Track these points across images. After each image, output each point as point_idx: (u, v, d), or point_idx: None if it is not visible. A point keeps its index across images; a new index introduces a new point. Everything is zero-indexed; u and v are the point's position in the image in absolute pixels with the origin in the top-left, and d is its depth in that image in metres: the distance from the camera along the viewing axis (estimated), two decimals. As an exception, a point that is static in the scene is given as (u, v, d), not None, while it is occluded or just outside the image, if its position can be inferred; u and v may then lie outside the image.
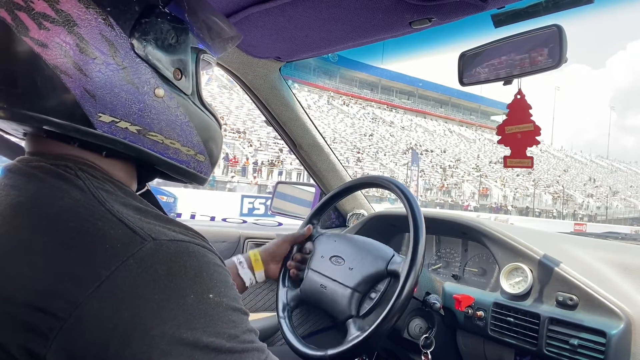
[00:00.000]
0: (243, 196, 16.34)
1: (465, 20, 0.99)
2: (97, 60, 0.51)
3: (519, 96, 0.97)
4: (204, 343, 0.44)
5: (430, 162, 41.97)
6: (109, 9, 0.52)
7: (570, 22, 0.92)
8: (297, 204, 1.85)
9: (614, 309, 0.91)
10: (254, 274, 1.11)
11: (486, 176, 42.13)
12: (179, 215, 3.52)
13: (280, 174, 25.80)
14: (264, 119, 1.64)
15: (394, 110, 58.54)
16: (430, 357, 1.11)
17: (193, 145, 0.62)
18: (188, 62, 0.61)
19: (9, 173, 0.54)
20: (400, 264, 1.00)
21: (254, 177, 24.28)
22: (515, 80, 0.96)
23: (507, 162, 1.01)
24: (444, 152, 47.57)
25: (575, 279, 0.99)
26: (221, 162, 22.24)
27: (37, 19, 0.49)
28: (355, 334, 0.94)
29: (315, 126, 1.65)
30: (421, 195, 31.17)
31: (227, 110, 33.24)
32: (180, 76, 0.59)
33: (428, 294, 1.19)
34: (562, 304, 0.99)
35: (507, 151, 1.01)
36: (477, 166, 45.27)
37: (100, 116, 0.52)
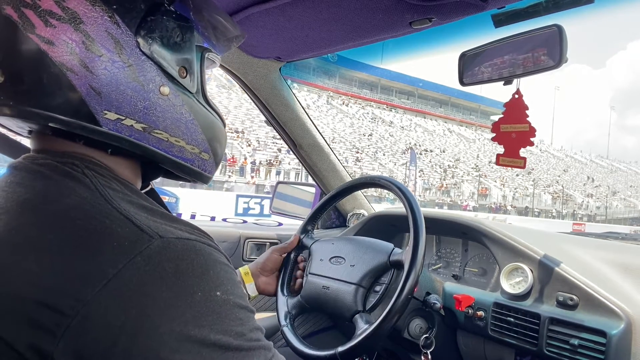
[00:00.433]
0: (238, 196, 16.29)
1: (466, 20, 0.99)
2: (103, 57, 0.51)
3: (516, 95, 0.97)
4: (212, 340, 0.44)
5: (430, 161, 41.99)
6: (115, 6, 0.52)
7: (571, 22, 0.92)
8: (297, 204, 1.85)
9: (615, 309, 0.91)
10: (245, 288, 1.09)
11: (486, 176, 42.15)
12: (179, 215, 3.51)
13: (278, 173, 25.80)
14: (263, 118, 1.64)
15: (393, 110, 58.56)
16: (430, 357, 1.11)
17: (198, 144, 0.62)
18: (193, 61, 0.61)
19: (15, 170, 0.54)
20: (402, 253, 1.00)
21: (252, 177, 24.25)
22: (514, 80, 0.96)
23: (499, 160, 1.01)
24: (443, 152, 47.59)
25: (575, 279, 0.99)
26: (219, 162, 22.20)
27: (43, 17, 0.49)
28: (364, 328, 0.93)
29: (315, 126, 1.65)
30: (420, 195, 31.17)
31: (225, 110, 33.23)
32: (185, 74, 0.59)
33: (428, 294, 1.19)
34: (562, 304, 0.99)
35: (501, 149, 1.01)
36: (477, 166, 45.28)
37: (106, 114, 0.52)
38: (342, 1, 0.96)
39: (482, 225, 1.25)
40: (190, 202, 10.88)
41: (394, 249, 1.05)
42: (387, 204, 18.52)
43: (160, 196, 0.68)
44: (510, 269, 1.11)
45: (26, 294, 0.43)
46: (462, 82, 1.05)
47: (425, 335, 1.14)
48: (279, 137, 1.72)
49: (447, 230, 1.41)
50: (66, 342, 0.41)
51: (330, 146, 1.72)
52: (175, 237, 0.48)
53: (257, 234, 1.63)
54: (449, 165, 42.88)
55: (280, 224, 1.82)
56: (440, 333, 1.19)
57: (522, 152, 0.98)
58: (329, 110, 46.89)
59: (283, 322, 1.09)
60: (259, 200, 16.15)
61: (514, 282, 1.10)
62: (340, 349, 0.93)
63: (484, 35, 1.00)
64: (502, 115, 0.99)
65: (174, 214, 0.57)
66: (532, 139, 0.95)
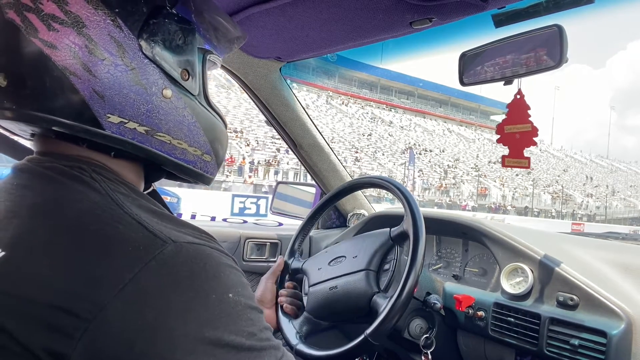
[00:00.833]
0: (234, 195, 16.22)
1: (466, 20, 0.99)
2: (106, 61, 0.51)
3: (518, 96, 0.97)
4: (225, 341, 0.45)
5: (429, 161, 41.99)
6: (117, 10, 0.52)
7: (571, 22, 0.92)
8: (297, 204, 1.85)
9: (615, 309, 0.91)
10: None
11: (485, 176, 42.16)
12: (180, 215, 3.52)
13: (276, 173, 25.79)
14: (262, 118, 1.64)
15: (393, 110, 58.57)
16: (430, 357, 1.11)
17: (200, 146, 0.62)
18: (195, 63, 0.61)
19: (21, 173, 0.54)
20: (401, 225, 1.01)
21: (249, 177, 24.24)
22: (515, 80, 0.96)
23: (505, 162, 1.01)
24: (443, 151, 47.60)
25: (575, 279, 0.99)
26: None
27: (46, 21, 0.49)
28: (385, 303, 0.92)
29: (315, 126, 1.65)
30: (419, 195, 31.17)
31: (224, 110, 33.19)
32: (187, 77, 0.60)
33: (429, 294, 1.19)
34: (562, 304, 0.99)
35: (505, 150, 1.01)
36: (476, 166, 45.29)
37: (109, 117, 0.52)
38: (342, 1, 0.96)
39: (482, 225, 1.25)
40: (186, 202, 10.85)
41: (391, 228, 1.05)
42: (387, 204, 18.51)
43: (162, 196, 0.68)
44: (511, 269, 1.11)
45: (41, 297, 0.43)
46: (462, 82, 1.05)
47: (425, 335, 1.14)
48: (277, 137, 1.72)
49: (447, 231, 1.41)
50: (84, 345, 0.42)
51: (330, 146, 1.72)
52: (187, 241, 0.49)
53: (257, 234, 1.63)
54: (448, 165, 42.89)
55: (280, 224, 1.82)
56: (441, 333, 1.19)
57: (524, 152, 0.98)
58: (328, 110, 46.90)
59: (295, 342, 1.04)
60: (255, 200, 16.08)
61: (514, 282, 1.10)
62: (368, 330, 0.91)
63: (484, 35, 1.00)
64: (504, 117, 0.99)
65: (175, 214, 0.58)
66: (535, 139, 0.95)
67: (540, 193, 41.31)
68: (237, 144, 28.66)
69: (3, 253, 0.46)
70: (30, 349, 0.42)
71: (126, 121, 0.53)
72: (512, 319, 1.05)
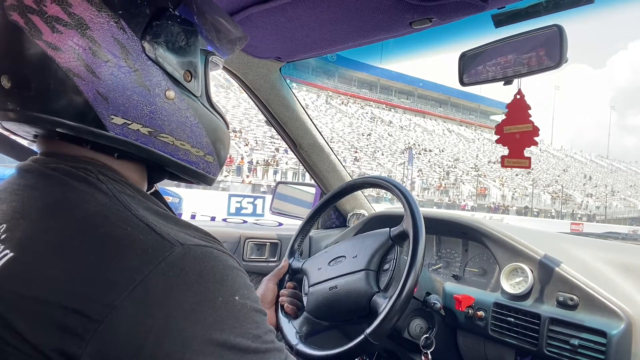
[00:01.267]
0: (230, 195, 16.16)
1: (466, 20, 0.99)
2: (110, 63, 0.51)
3: (518, 96, 0.97)
4: (232, 343, 0.45)
5: (429, 161, 42.00)
6: (120, 12, 0.52)
7: (571, 22, 0.92)
8: (297, 205, 1.85)
9: (615, 309, 0.91)
10: None
11: (485, 176, 42.17)
12: (180, 215, 3.52)
13: (275, 173, 25.79)
14: (261, 118, 1.65)
15: (392, 110, 58.57)
16: (430, 357, 1.11)
17: (202, 147, 0.62)
18: (198, 64, 0.61)
19: (26, 173, 0.55)
20: (401, 225, 1.01)
21: (247, 176, 24.23)
22: (515, 80, 0.96)
23: (504, 162, 1.01)
24: (442, 151, 47.61)
25: (575, 279, 0.99)
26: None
27: (50, 22, 0.49)
28: (385, 303, 0.92)
29: (315, 126, 1.65)
30: (418, 195, 31.18)
31: (224, 110, 33.04)
32: (190, 78, 0.60)
33: (428, 294, 1.19)
34: (562, 304, 0.99)
35: (505, 151, 1.01)
36: (476, 166, 45.30)
37: (113, 118, 0.52)
38: (342, 1, 0.96)
39: (482, 226, 1.25)
40: (184, 201, 10.82)
41: (391, 228, 1.05)
42: (386, 204, 18.51)
43: (164, 196, 0.69)
44: (511, 269, 1.11)
45: (52, 298, 0.43)
46: (462, 82, 1.05)
47: (425, 335, 1.14)
48: (276, 136, 1.73)
49: (447, 231, 1.41)
50: (94, 346, 0.42)
51: (330, 146, 1.72)
52: (194, 244, 0.49)
53: (257, 234, 1.63)
54: (448, 165, 42.89)
55: (280, 224, 1.82)
56: (441, 333, 1.19)
57: (525, 151, 0.98)
58: (328, 110, 46.91)
59: (295, 342, 1.04)
60: (251, 200, 16.01)
61: (514, 282, 1.10)
62: (368, 330, 0.91)
63: (484, 35, 1.00)
64: (504, 116, 0.99)
65: (176, 214, 0.58)
66: (536, 139, 0.95)
67: (540, 193, 41.33)
68: (235, 143, 28.67)
69: (12, 254, 0.46)
70: (41, 350, 0.42)
71: (130, 122, 0.53)
72: (512, 319, 1.05)
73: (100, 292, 0.43)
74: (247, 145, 29.31)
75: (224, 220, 1.85)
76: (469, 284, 1.29)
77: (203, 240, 0.51)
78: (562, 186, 45.41)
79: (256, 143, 30.62)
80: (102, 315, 0.42)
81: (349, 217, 1.83)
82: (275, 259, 1.64)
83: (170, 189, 10.98)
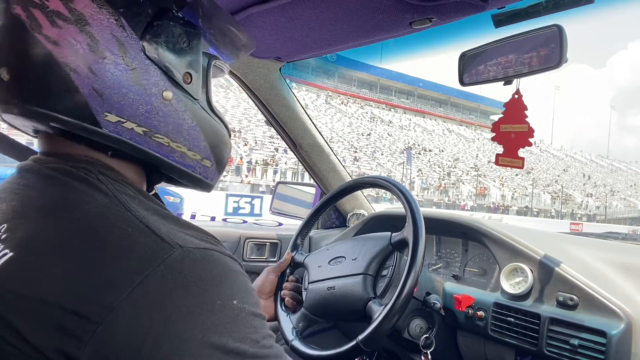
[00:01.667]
0: (228, 195, 16.06)
1: (466, 20, 0.99)
2: (107, 60, 0.51)
3: (516, 96, 0.97)
4: (231, 348, 0.45)
5: (429, 161, 41.99)
6: (121, 10, 0.52)
7: (571, 22, 0.92)
8: (297, 205, 1.85)
9: (615, 309, 0.91)
10: None
11: (485, 176, 42.16)
12: (180, 214, 3.52)
13: (274, 173, 25.78)
14: (261, 118, 1.65)
15: (392, 110, 58.56)
16: (430, 357, 1.11)
17: (199, 150, 0.62)
18: (199, 67, 0.61)
19: (26, 173, 0.55)
20: (402, 232, 1.01)
21: (245, 176, 24.21)
22: (514, 80, 0.97)
23: (498, 160, 1.01)
24: (442, 151, 47.60)
25: (575, 279, 0.99)
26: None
27: (50, 17, 0.49)
28: (380, 310, 0.92)
29: (315, 126, 1.65)
30: (418, 195, 31.17)
31: (223, 110, 33.26)
32: (190, 80, 0.59)
33: (428, 294, 1.19)
34: (562, 304, 0.99)
35: (501, 149, 1.01)
36: (476, 165, 45.29)
37: (107, 115, 0.52)
38: (342, 1, 0.96)
39: (482, 226, 1.25)
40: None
41: (392, 233, 1.05)
42: (386, 204, 18.51)
43: (165, 196, 0.68)
44: (511, 269, 1.11)
45: (52, 298, 0.43)
46: (462, 82, 1.05)
47: (425, 335, 1.14)
48: (275, 136, 1.73)
49: (447, 230, 1.41)
50: (93, 348, 0.42)
51: (330, 146, 1.72)
52: (194, 246, 0.49)
53: (257, 234, 1.63)
54: (448, 165, 42.89)
55: (280, 224, 1.82)
56: (441, 333, 1.19)
57: (521, 151, 0.99)
58: (328, 110, 46.88)
59: (290, 337, 1.05)
60: (249, 199, 15.94)
61: (514, 282, 1.10)
62: (361, 337, 0.91)
63: (484, 35, 1.00)
64: (501, 115, 0.99)
65: (176, 214, 0.58)
66: (530, 140, 0.95)
67: (539, 193, 41.31)
68: (235, 143, 28.65)
69: (12, 254, 0.46)
70: (41, 350, 0.42)
71: (124, 120, 0.53)
72: (512, 319, 1.05)
73: (100, 293, 0.43)
74: (246, 145, 29.31)
75: (224, 220, 1.85)
76: (469, 284, 1.29)
77: (203, 242, 0.51)
78: (562, 186, 45.40)
79: (255, 143, 30.61)
80: (100, 316, 0.42)
81: (349, 217, 1.83)
82: (275, 259, 1.63)
83: (171, 189, 10.92)
